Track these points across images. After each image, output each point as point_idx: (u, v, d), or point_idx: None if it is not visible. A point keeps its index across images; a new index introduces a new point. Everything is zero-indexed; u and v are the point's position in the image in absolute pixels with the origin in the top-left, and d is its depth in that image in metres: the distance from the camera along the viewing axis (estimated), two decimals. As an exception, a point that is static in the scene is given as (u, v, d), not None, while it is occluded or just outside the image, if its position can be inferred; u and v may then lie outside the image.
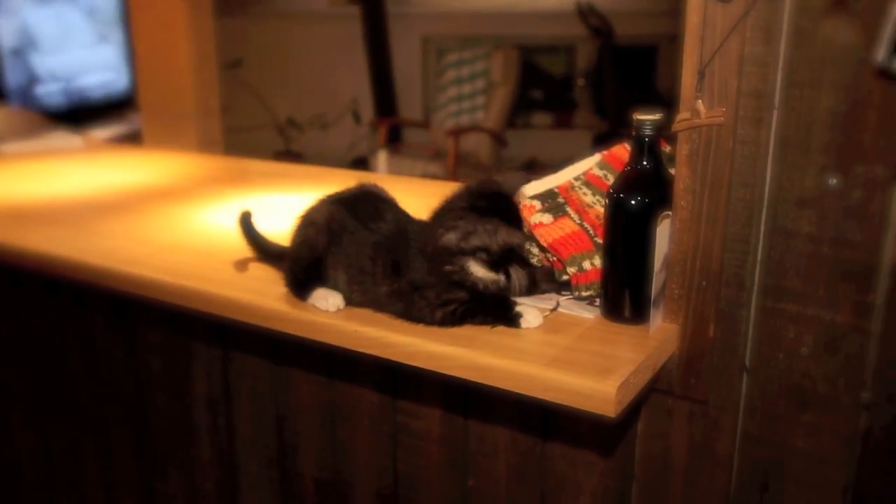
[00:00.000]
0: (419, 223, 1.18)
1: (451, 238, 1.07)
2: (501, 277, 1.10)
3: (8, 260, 1.57)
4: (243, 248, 1.45)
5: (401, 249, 1.14)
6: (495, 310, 1.10)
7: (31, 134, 2.63)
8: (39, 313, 1.86)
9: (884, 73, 0.93)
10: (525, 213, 1.18)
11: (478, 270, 1.09)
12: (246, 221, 1.39)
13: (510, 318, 1.10)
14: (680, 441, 1.15)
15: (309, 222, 1.22)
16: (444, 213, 1.11)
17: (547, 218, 1.18)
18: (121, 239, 1.56)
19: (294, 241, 1.24)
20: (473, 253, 1.07)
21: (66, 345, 1.83)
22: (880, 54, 0.92)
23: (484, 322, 1.10)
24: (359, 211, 1.20)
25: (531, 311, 1.11)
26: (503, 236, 1.07)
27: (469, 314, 1.10)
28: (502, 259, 1.09)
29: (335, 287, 1.19)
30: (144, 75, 2.66)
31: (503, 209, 1.09)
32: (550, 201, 1.20)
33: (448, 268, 1.09)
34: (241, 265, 1.38)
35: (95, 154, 2.52)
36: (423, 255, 1.12)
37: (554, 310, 1.15)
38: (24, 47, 3.86)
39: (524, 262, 1.14)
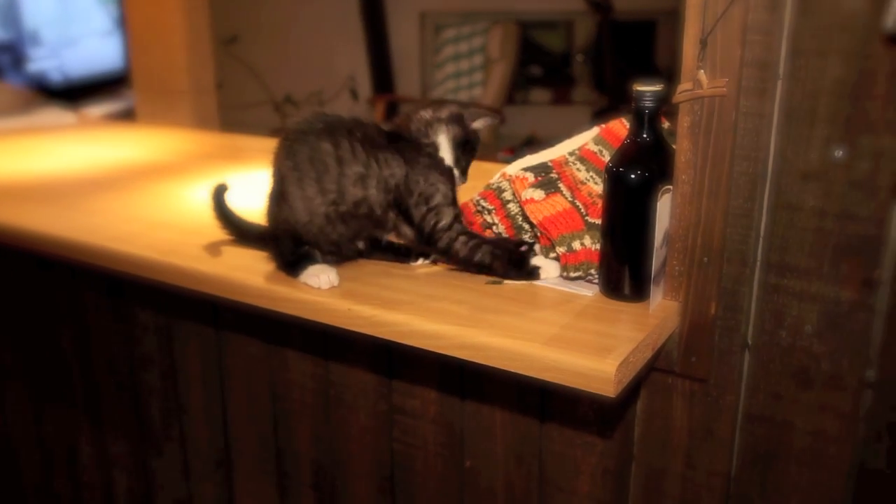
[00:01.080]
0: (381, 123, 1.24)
1: (426, 112, 1.20)
2: (458, 174, 1.20)
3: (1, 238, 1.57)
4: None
5: (371, 134, 1.19)
6: (512, 257, 1.15)
7: (24, 110, 2.63)
8: (32, 291, 1.86)
9: (893, 40, 0.92)
10: (517, 187, 1.19)
11: (445, 151, 1.18)
12: (219, 196, 1.35)
13: (529, 272, 1.15)
14: (680, 421, 1.16)
15: (274, 170, 1.20)
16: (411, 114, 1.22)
17: (539, 194, 1.17)
18: (112, 216, 1.55)
19: (268, 216, 1.22)
20: (448, 121, 1.19)
21: (59, 322, 1.83)
22: (889, 21, 0.91)
23: (499, 269, 1.15)
24: (310, 124, 1.20)
25: (550, 263, 1.16)
26: (470, 111, 1.21)
27: (487, 253, 1.15)
28: (466, 144, 1.20)
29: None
30: (138, 50, 2.66)
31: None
32: (543, 175, 1.19)
33: (424, 140, 1.18)
34: (231, 243, 1.36)
35: (88, 131, 2.52)
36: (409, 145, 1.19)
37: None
38: (17, 22, 3.84)
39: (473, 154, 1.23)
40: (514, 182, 1.19)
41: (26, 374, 1.95)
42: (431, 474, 1.38)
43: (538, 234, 1.17)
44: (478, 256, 1.15)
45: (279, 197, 1.18)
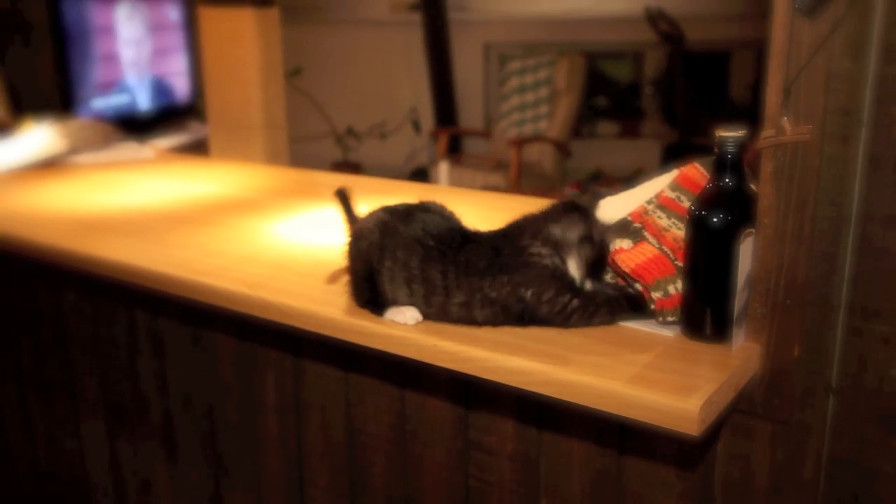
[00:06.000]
0: (489, 234, 1.21)
1: (554, 228, 1.14)
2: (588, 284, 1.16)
3: (83, 268, 1.62)
4: (316, 261, 1.48)
5: (473, 261, 1.16)
6: (631, 302, 1.17)
7: (103, 144, 2.69)
8: (113, 321, 1.90)
9: None
10: None
11: (573, 270, 1.15)
12: (343, 197, 1.35)
13: (642, 306, 1.17)
14: (762, 463, 1.15)
15: (360, 234, 1.24)
16: (528, 222, 1.17)
17: (626, 243, 1.18)
18: (197, 250, 1.60)
19: (349, 255, 1.26)
20: (579, 244, 1.14)
21: (137, 352, 1.87)
22: None
23: (620, 318, 1.17)
24: (414, 222, 1.22)
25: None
26: (601, 228, 1.15)
27: (606, 313, 1.16)
28: (597, 262, 1.15)
29: (394, 302, 1.20)
30: (212, 87, 2.70)
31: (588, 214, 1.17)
32: (624, 230, 1.21)
33: (548, 262, 1.14)
34: (311, 277, 1.41)
35: (164, 164, 2.58)
36: (514, 256, 1.15)
37: None
38: (94, 54, 3.98)
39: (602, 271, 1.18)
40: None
41: (106, 405, 1.98)
42: None
43: (631, 284, 1.19)
44: (596, 321, 1.16)
45: (367, 259, 1.22)
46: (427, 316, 1.19)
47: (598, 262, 1.16)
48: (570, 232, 1.14)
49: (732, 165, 1.09)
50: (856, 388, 1.07)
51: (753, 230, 1.09)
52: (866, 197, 1.02)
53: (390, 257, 1.20)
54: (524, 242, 1.16)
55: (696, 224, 1.10)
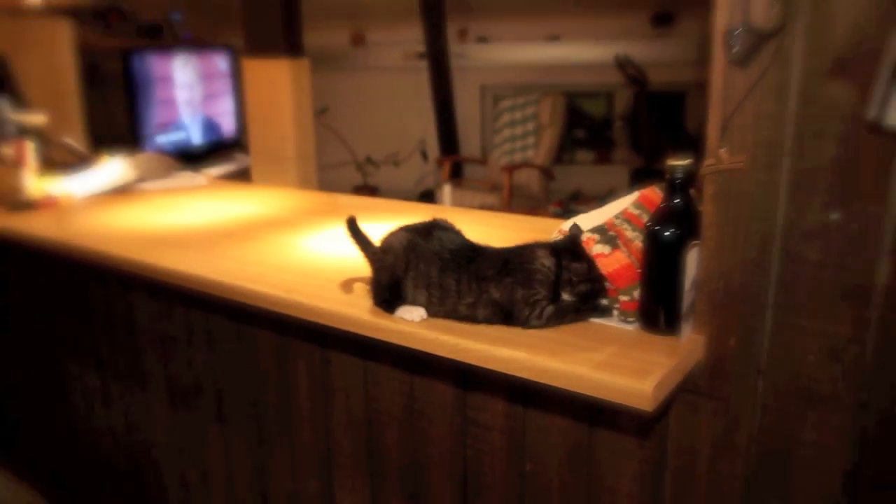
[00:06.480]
0: (488, 248, 1.22)
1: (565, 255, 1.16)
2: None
3: (149, 275, 1.63)
4: (339, 269, 1.47)
5: (481, 270, 1.18)
6: (594, 307, 1.18)
7: (164, 174, 2.70)
8: (171, 319, 1.91)
9: (875, 128, 0.94)
10: (586, 245, 1.20)
11: (566, 294, 1.16)
12: (352, 225, 1.37)
13: (602, 311, 1.18)
14: (705, 432, 1.15)
15: (387, 249, 1.25)
16: (540, 244, 1.19)
17: (606, 249, 1.19)
18: (241, 261, 1.60)
19: (375, 266, 1.26)
20: (577, 284, 1.14)
21: (193, 344, 1.86)
22: (872, 112, 0.93)
23: (576, 318, 1.17)
24: (433, 239, 1.23)
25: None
26: (594, 268, 1.16)
27: (572, 319, 1.16)
28: (588, 293, 1.16)
29: (413, 303, 1.21)
30: (255, 125, 2.70)
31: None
32: (603, 234, 1.22)
33: (546, 271, 1.14)
34: (335, 283, 1.41)
35: (214, 190, 2.58)
36: (524, 263, 1.16)
37: None
38: (156, 99, 4.00)
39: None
40: (584, 243, 1.22)
41: (169, 388, 1.97)
42: (498, 476, 1.37)
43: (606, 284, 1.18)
44: (566, 322, 1.16)
45: (392, 269, 1.22)
46: (439, 314, 1.20)
47: (588, 293, 1.16)
48: (573, 268, 1.15)
49: (681, 188, 1.09)
50: (780, 370, 1.08)
51: (698, 242, 1.10)
52: (788, 214, 1.03)
53: (414, 268, 1.21)
54: (537, 253, 1.16)
55: (651, 237, 1.11)
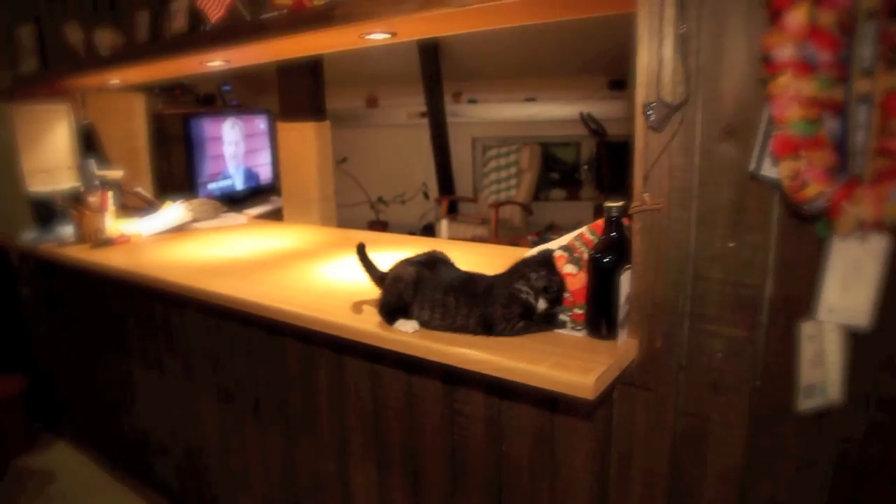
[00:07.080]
0: (481, 276, 1.25)
1: (533, 276, 1.16)
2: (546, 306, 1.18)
3: (199, 297, 1.63)
4: (351, 292, 1.46)
5: (474, 292, 1.20)
6: (549, 321, 1.18)
7: (213, 215, 2.70)
8: (217, 332, 1.89)
9: (755, 177, 0.98)
10: (558, 262, 1.21)
11: (540, 303, 1.17)
12: (361, 251, 1.38)
13: (557, 325, 1.18)
14: (640, 416, 1.16)
15: (398, 278, 1.28)
16: (517, 269, 1.20)
17: (574, 269, 1.19)
18: (272, 285, 1.59)
19: (386, 290, 1.29)
20: (544, 287, 1.16)
21: (234, 353, 1.86)
22: (752, 165, 0.98)
23: (539, 329, 1.17)
24: (434, 269, 1.26)
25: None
26: (557, 277, 1.17)
27: (528, 329, 1.17)
28: (555, 297, 1.16)
29: (419, 319, 1.23)
30: (286, 172, 2.70)
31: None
32: (570, 254, 1.22)
33: (522, 295, 1.16)
34: (348, 302, 1.41)
35: (253, 227, 2.56)
36: (504, 291, 1.17)
37: None
38: (208, 154, 4.07)
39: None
40: (556, 259, 1.22)
41: (216, 388, 1.94)
42: (479, 455, 1.37)
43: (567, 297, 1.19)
44: (531, 332, 1.17)
45: (415, 290, 1.23)
46: (440, 328, 1.21)
47: (555, 297, 1.17)
48: (540, 280, 1.16)
49: (616, 224, 1.13)
50: (695, 366, 1.09)
51: (630, 266, 1.13)
52: (697, 243, 1.06)
53: (421, 293, 1.23)
54: (514, 282, 1.18)
55: (594, 263, 1.14)
